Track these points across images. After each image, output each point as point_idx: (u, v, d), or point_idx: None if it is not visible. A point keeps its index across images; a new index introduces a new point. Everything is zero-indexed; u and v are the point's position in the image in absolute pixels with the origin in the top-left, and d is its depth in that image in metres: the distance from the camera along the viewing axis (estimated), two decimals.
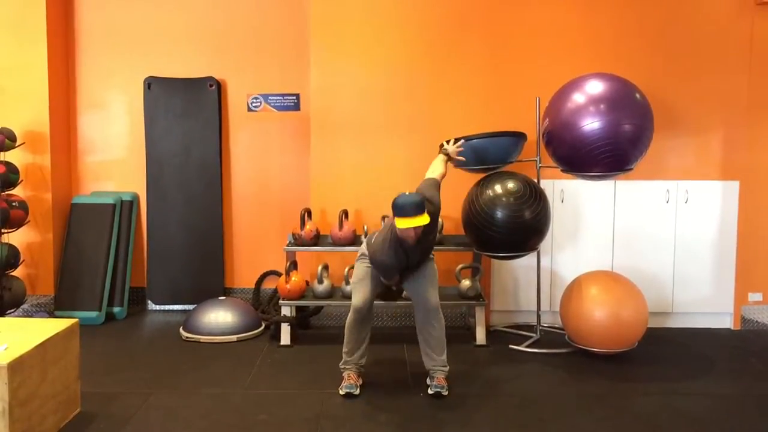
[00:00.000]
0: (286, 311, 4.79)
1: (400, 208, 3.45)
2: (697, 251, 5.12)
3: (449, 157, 4.14)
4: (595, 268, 4.83)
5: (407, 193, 3.53)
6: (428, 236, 3.71)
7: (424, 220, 3.44)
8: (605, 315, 4.30)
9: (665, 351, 4.65)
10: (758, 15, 5.13)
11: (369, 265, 3.82)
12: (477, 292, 4.79)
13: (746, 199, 5.15)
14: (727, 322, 5.21)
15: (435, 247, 3.98)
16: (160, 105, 5.65)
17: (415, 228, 3.46)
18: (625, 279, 4.49)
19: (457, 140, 4.24)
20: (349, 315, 3.88)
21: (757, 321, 5.25)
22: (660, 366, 4.35)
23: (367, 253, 3.84)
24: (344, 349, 3.92)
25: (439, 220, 4.90)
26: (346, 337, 3.91)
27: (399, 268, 3.69)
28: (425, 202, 3.52)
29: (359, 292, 3.83)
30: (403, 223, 3.44)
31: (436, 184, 3.85)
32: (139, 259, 5.75)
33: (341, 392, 3.80)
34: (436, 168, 4.00)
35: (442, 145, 4.23)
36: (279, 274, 5.40)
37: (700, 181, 5.13)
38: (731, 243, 5.12)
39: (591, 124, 4.28)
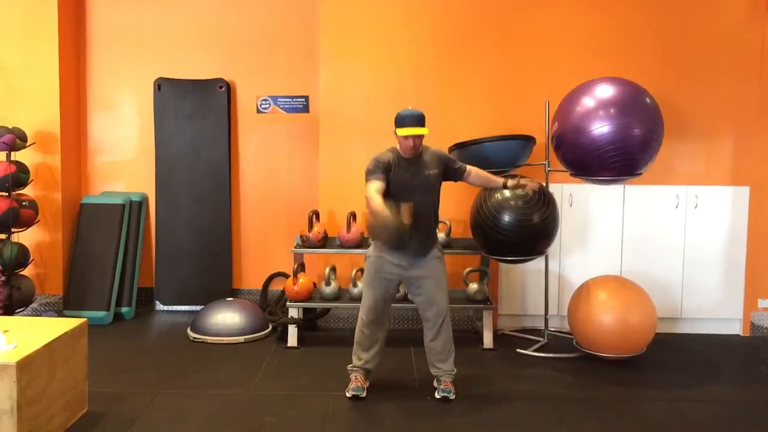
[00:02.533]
0: (293, 313, 4.79)
1: (402, 119, 3.64)
2: (707, 257, 5.09)
3: (508, 184, 3.94)
4: (604, 273, 4.81)
5: (410, 108, 3.71)
6: (429, 171, 3.72)
7: (423, 131, 3.62)
8: (613, 320, 4.28)
9: (674, 357, 4.62)
10: None
11: (377, 268, 3.79)
12: (485, 295, 4.78)
13: (756, 204, 5.12)
14: (736, 329, 5.18)
15: (444, 250, 3.96)
16: (170, 106, 5.66)
17: (414, 138, 3.62)
18: (633, 284, 4.47)
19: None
20: (359, 318, 3.87)
21: (766, 327, 5.22)
22: (668, 372, 4.33)
23: (373, 253, 3.83)
24: (354, 353, 3.92)
25: (448, 223, 4.90)
26: (356, 340, 3.90)
27: (388, 168, 3.67)
28: (424, 118, 3.66)
29: (369, 294, 3.82)
30: (403, 132, 3.62)
31: (476, 168, 3.87)
32: (147, 260, 5.77)
33: (348, 394, 3.79)
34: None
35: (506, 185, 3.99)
36: (286, 276, 5.40)
37: (709, 186, 5.11)
38: (741, 249, 5.09)
39: (600, 128, 4.26)
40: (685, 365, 4.46)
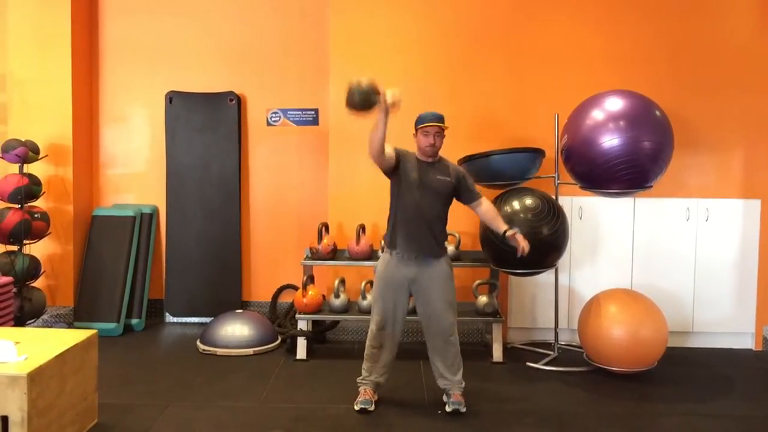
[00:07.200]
0: (302, 325, 4.79)
1: (423, 117, 3.78)
2: (718, 270, 5.06)
3: (507, 233, 3.84)
4: (614, 286, 4.78)
5: None
6: (442, 176, 3.76)
7: (443, 125, 3.77)
8: (624, 333, 4.25)
9: (685, 371, 4.59)
10: None
11: (386, 280, 3.79)
12: (494, 308, 4.77)
13: None
14: (748, 343, 5.13)
15: (453, 263, 3.96)
16: (181, 119, 5.71)
17: (434, 134, 3.73)
18: (644, 297, 4.45)
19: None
20: (369, 332, 3.87)
21: None
22: (680, 386, 4.29)
23: (381, 266, 3.82)
24: (363, 366, 3.91)
25: (457, 235, 4.89)
26: (365, 353, 3.89)
27: (405, 155, 3.77)
28: (444, 119, 3.80)
29: (378, 307, 3.82)
30: (424, 125, 3.75)
31: (489, 203, 3.94)
32: (157, 272, 5.79)
33: (356, 407, 3.78)
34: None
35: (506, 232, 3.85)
36: (296, 288, 5.40)
37: (720, 199, 5.08)
38: (753, 262, 5.06)
39: (610, 141, 4.26)
40: (696, 379, 4.42)
